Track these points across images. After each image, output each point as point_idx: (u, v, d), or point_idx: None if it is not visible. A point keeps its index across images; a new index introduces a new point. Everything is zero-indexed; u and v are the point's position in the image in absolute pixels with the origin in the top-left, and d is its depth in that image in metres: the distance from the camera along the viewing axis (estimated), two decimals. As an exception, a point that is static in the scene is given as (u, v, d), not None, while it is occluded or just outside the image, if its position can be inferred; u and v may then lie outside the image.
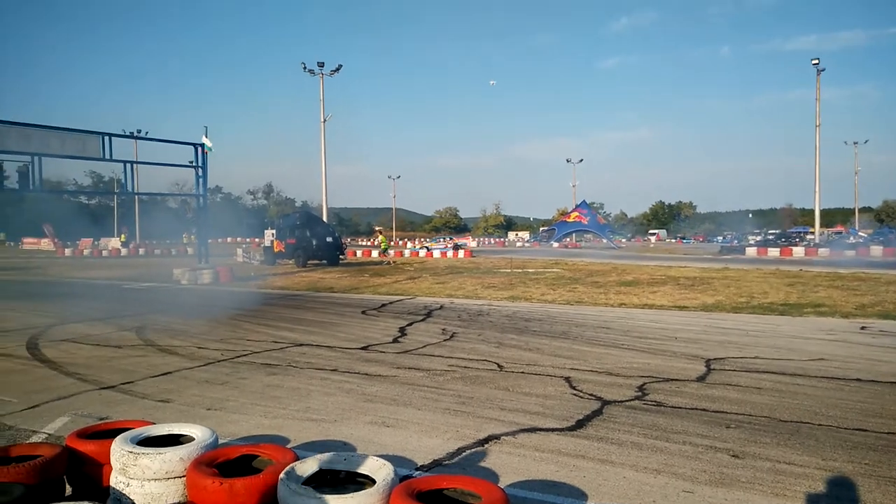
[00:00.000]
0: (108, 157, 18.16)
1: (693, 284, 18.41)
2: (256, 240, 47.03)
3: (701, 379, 7.10)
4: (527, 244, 73.14)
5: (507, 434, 5.10)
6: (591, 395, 6.37)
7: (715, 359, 8.15)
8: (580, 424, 5.38)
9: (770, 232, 63.68)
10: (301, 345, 9.35)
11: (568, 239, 65.19)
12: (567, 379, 7.06)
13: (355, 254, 41.57)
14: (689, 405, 5.98)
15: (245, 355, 8.54)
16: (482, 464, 4.46)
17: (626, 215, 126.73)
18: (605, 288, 17.73)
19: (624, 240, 79.78)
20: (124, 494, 3.19)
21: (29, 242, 62.99)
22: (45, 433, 5.17)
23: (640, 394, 6.41)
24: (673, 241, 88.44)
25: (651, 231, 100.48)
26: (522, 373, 7.40)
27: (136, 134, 34.74)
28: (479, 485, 3.00)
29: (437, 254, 41.73)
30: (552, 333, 10.27)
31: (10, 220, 75.74)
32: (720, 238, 73.15)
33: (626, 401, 6.14)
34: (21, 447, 3.70)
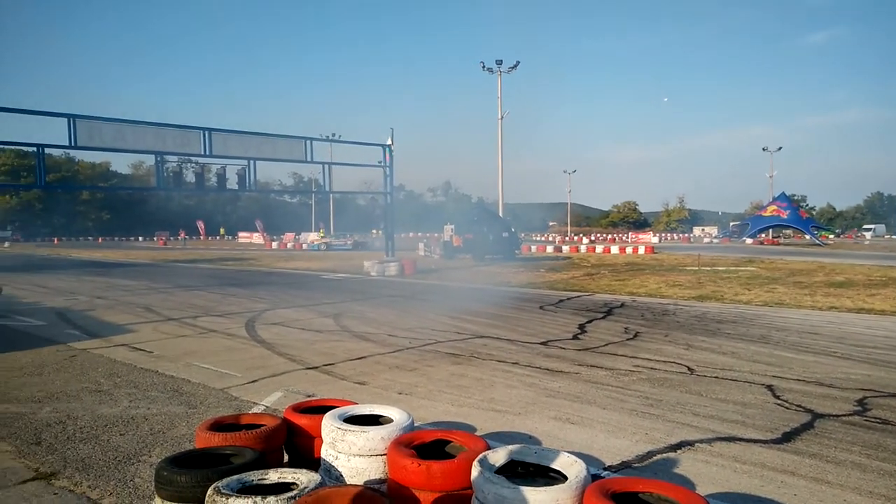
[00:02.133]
0: (310, 159, 20.02)
1: (924, 287, 15.88)
2: (436, 235, 49.00)
3: (939, 397, 6.09)
4: (715, 240, 68.07)
5: (701, 441, 4.79)
6: (798, 406, 5.76)
7: (957, 375, 6.95)
8: (787, 437, 4.88)
9: None
10: (482, 337, 9.56)
11: (763, 235, 59.60)
12: (769, 387, 6.45)
13: (530, 249, 41.60)
14: (924, 426, 5.16)
15: (430, 344, 8.94)
16: (675, 470, 4.22)
17: (833, 208, 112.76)
18: (811, 289, 15.93)
19: (832, 236, 71.10)
20: (333, 466, 3.48)
21: (243, 236, 71.78)
22: (263, 405, 5.83)
23: (859, 408, 5.67)
24: (894, 237, 77.07)
25: (866, 226, 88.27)
26: (716, 378, 6.89)
27: (331, 137, 37.86)
28: (679, 492, 2.83)
29: (615, 249, 40.42)
30: (749, 337, 9.45)
31: (229, 217, 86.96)
32: (959, 234, 62.23)
33: (843, 415, 5.46)
34: (247, 416, 4.18)
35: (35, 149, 15.86)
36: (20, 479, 4.11)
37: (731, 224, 78.66)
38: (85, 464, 4.36)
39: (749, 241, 56.77)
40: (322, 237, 52.01)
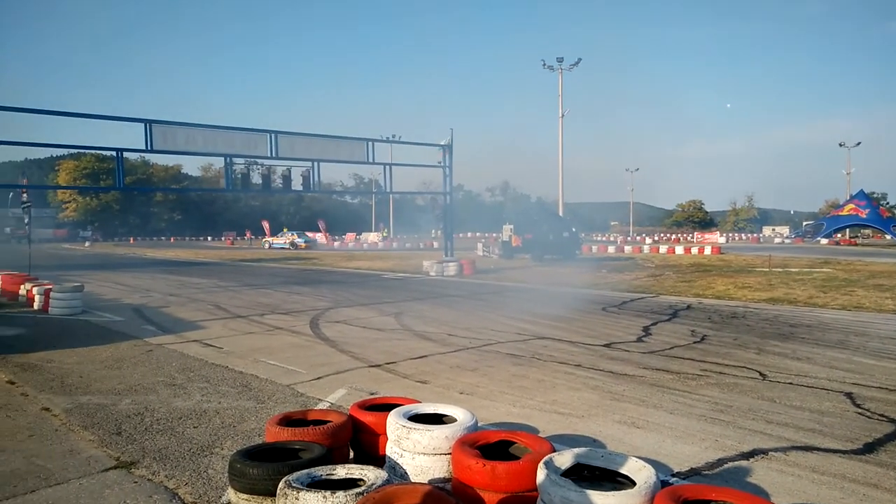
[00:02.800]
0: (371, 160, 20.32)
1: None
2: (495, 235, 48.84)
3: None
4: (787, 240, 65.22)
5: (775, 450, 4.59)
6: (881, 415, 5.45)
7: None
8: (870, 448, 4.63)
9: None
10: (543, 338, 9.47)
11: (839, 235, 56.78)
12: (848, 395, 6.13)
13: (591, 249, 40.92)
14: None
15: (490, 344, 8.92)
16: (748, 479, 4.07)
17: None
18: (893, 292, 15.04)
19: (915, 236, 66.89)
20: (398, 464, 3.52)
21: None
22: (328, 402, 5.95)
23: (951, 420, 5.31)
24: None
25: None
26: (790, 384, 6.60)
27: (391, 138, 38.29)
28: (754, 502, 2.73)
29: (679, 250, 39.31)
30: (825, 342, 9.01)
31: (292, 217, 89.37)
32: None
33: (932, 427, 5.13)
34: (314, 412, 4.28)
35: (114, 152, 16.68)
36: (103, 466, 4.34)
37: (805, 223, 75.23)
38: (162, 454, 4.55)
39: (824, 241, 54.22)
40: (385, 236, 52.95)
